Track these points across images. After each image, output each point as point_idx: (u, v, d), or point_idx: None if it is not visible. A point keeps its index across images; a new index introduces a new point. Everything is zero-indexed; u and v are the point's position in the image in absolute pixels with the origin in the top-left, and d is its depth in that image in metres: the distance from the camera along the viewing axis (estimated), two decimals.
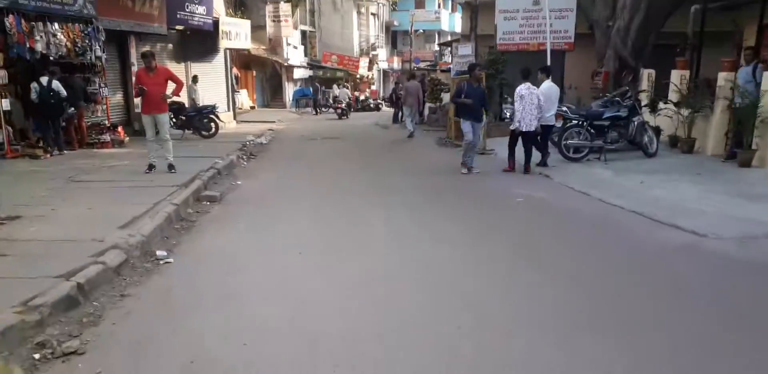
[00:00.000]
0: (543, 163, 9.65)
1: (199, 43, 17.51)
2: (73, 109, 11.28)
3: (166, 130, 8.70)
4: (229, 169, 10.15)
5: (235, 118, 20.14)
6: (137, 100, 8.68)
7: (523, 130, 9.22)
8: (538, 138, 9.58)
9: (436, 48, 45.45)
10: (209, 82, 18.34)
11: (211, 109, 14.68)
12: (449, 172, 9.95)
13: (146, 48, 15.03)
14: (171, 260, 4.98)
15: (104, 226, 5.35)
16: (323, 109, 29.04)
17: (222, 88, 19.56)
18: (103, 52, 11.73)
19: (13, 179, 8.03)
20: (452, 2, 47.59)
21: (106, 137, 12.03)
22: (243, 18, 21.81)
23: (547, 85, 9.79)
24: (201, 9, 16.08)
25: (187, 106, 15.14)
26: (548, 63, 12.90)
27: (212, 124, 14.77)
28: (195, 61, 17.55)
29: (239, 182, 8.98)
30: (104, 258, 4.45)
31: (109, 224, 5.43)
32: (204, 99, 16.83)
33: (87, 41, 11.24)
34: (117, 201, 6.60)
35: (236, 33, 18.64)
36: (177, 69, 16.66)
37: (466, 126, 9.57)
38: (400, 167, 10.71)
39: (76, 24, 11.06)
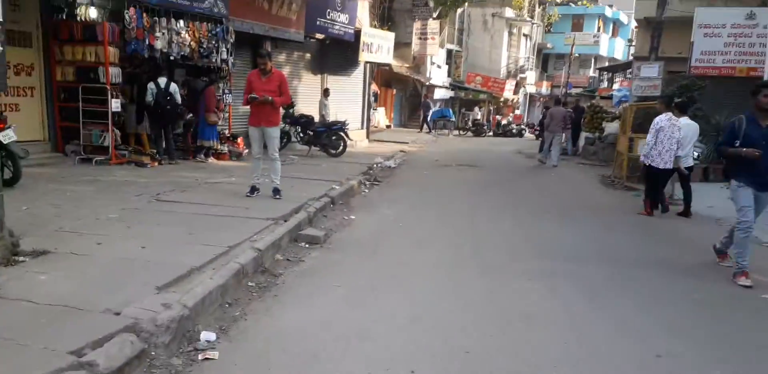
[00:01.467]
0: (664, 210, 8.23)
1: (339, 54, 16.36)
2: (191, 115, 10.30)
3: (276, 146, 7.13)
4: (346, 196, 8.44)
5: (368, 137, 18.79)
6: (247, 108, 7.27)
7: (661, 167, 7.82)
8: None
9: (591, 73, 41.95)
10: (345, 97, 17.14)
11: (341, 126, 13.26)
12: (628, 224, 7.47)
13: (282, 55, 14.08)
14: (215, 354, 3.16)
15: (141, 282, 3.69)
16: (441, 130, 27.08)
17: (358, 104, 18.30)
18: (231, 56, 10.65)
19: (95, 191, 6.83)
20: (613, 26, 43.92)
21: (224, 148, 10.93)
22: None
23: (685, 122, 8.16)
24: (343, 17, 14.86)
25: (316, 120, 13.88)
26: None
27: (341, 142, 13.35)
28: (332, 73, 16.40)
29: (353, 217, 7.17)
30: (97, 354, 2.71)
31: (150, 278, 3.77)
32: (336, 114, 15.57)
33: (214, 42, 10.21)
34: (186, 236, 5.00)
35: (378, 46, 17.29)
36: (312, 81, 15.62)
37: (743, 197, 5.10)
38: (557, 211, 8.34)
39: (204, 23, 10.06)
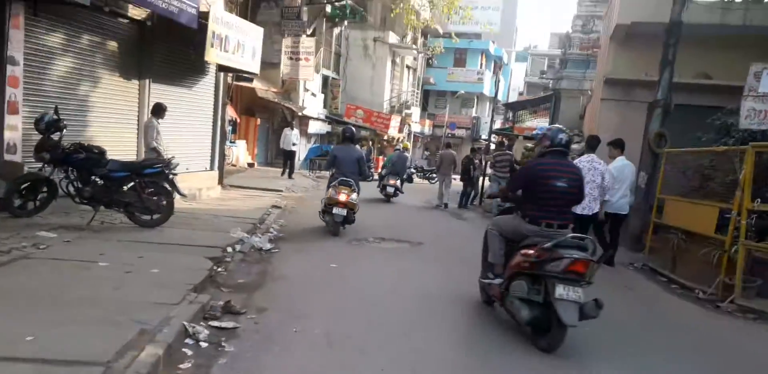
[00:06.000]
0: (609, 263, 7.39)
1: (173, 50, 9.96)
2: None
3: None
4: None
5: (221, 182, 12.34)
6: None
7: (577, 212, 6.23)
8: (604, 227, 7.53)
9: (474, 113, 38.75)
10: (183, 121, 10.63)
11: (162, 168, 6.85)
12: None
13: (57, 34, 7.49)
14: None
15: None
16: (320, 171, 21.61)
17: (205, 132, 11.77)
18: None
19: None
20: (494, 64, 41.34)
21: None
22: None
23: (621, 162, 7.65)
24: None
25: (117, 158, 7.28)
26: None
27: (159, 199, 6.92)
28: (161, 80, 9.84)
29: None
30: None
31: None
32: (167, 148, 9.09)
33: None
34: None
35: (238, 43, 11.03)
36: (124, 88, 9.05)
37: None
38: None
39: None
